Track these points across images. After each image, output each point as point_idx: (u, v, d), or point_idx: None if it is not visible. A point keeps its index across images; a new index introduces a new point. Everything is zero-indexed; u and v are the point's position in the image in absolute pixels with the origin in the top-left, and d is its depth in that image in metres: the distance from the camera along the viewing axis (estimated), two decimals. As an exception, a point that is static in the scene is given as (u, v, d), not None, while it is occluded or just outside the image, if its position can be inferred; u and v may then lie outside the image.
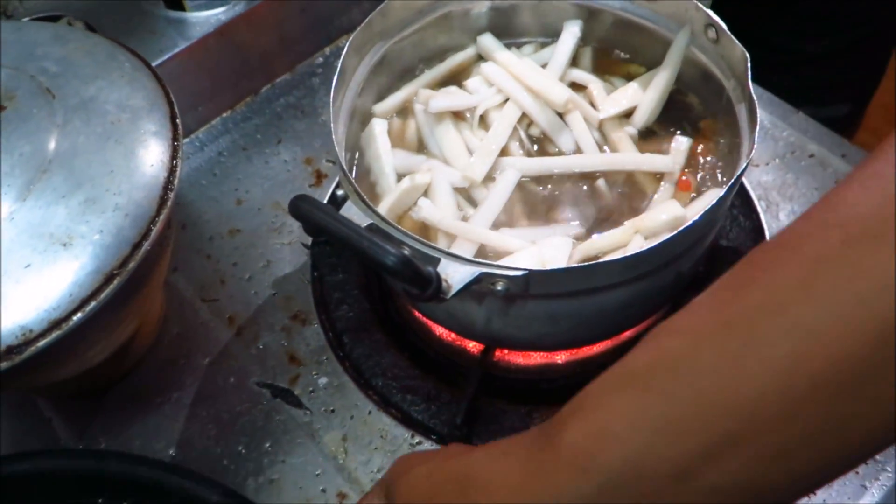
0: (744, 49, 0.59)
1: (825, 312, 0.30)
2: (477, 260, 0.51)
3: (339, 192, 0.56)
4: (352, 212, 0.54)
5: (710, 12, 0.62)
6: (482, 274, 0.50)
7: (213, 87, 0.82)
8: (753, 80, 0.58)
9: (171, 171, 0.56)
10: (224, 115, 0.84)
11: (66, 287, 0.50)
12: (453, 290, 0.50)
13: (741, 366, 0.31)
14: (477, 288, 0.51)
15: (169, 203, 0.55)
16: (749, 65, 0.58)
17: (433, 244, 0.51)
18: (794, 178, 0.76)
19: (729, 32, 0.60)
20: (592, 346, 0.66)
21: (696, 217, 0.51)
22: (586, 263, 0.51)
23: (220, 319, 0.72)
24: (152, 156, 0.55)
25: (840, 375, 0.29)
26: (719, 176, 0.64)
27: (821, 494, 0.59)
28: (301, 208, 0.47)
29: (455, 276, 0.50)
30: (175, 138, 0.57)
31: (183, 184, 0.80)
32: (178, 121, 0.58)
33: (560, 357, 0.67)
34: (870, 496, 0.59)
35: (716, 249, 0.72)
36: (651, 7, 0.66)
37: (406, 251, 0.52)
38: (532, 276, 0.50)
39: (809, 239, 0.32)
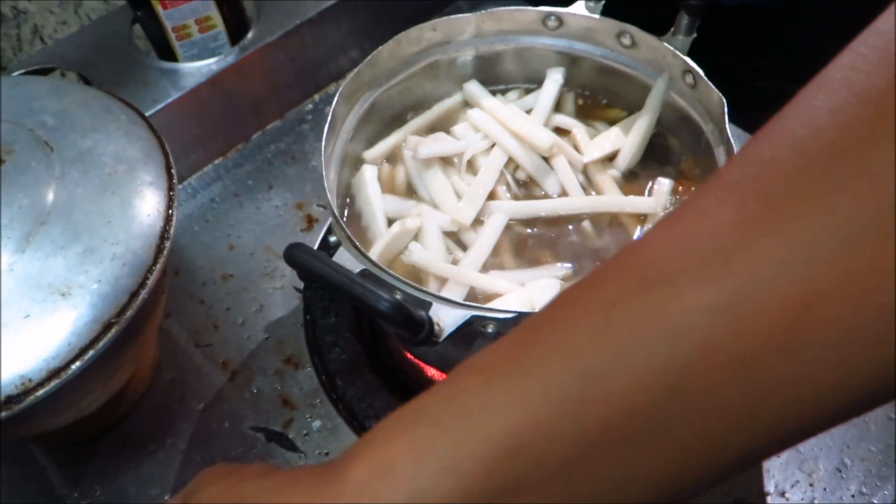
0: (720, 94, 0.61)
1: (616, 359, 0.29)
2: (468, 303, 0.52)
3: (332, 239, 0.58)
4: (344, 258, 0.55)
5: (687, 59, 0.64)
6: (473, 317, 0.52)
7: (205, 135, 0.84)
8: (733, 120, 0.60)
9: (167, 220, 0.57)
10: (216, 161, 0.86)
11: (65, 336, 0.51)
12: (445, 334, 0.51)
13: (532, 408, 0.29)
14: (468, 330, 0.52)
15: (165, 252, 0.56)
16: (726, 109, 0.60)
17: (425, 289, 0.53)
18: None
19: (705, 78, 0.63)
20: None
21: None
22: (574, 305, 0.52)
23: (213, 364, 0.73)
24: (149, 206, 0.56)
25: (628, 425, 0.28)
26: (701, 216, 0.66)
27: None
28: (296, 256, 0.48)
29: (447, 319, 0.51)
30: (171, 188, 0.59)
31: (176, 230, 0.81)
32: (173, 171, 0.60)
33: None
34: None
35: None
36: (630, 54, 0.69)
37: (398, 296, 0.54)
38: (522, 319, 0.52)
39: (610, 281, 0.31)
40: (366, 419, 0.68)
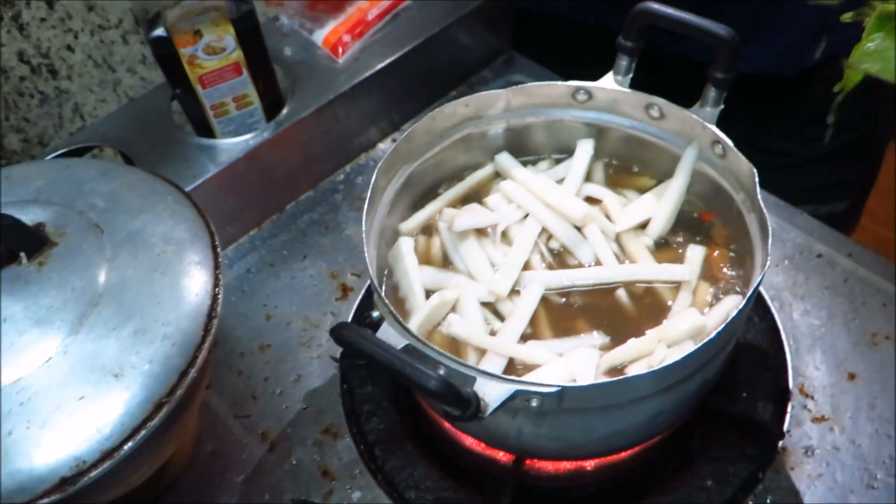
0: (750, 164, 0.62)
1: None
2: (512, 378, 0.53)
3: (375, 314, 0.59)
4: (388, 333, 0.56)
5: (716, 130, 0.65)
6: (517, 392, 0.52)
7: (242, 207, 0.86)
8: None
9: (214, 298, 0.59)
10: (251, 232, 0.88)
11: (118, 417, 0.52)
12: (490, 409, 0.51)
13: None
14: (512, 404, 0.53)
15: (213, 330, 0.58)
16: (756, 179, 0.62)
17: (469, 364, 0.53)
18: (805, 278, 0.79)
19: (735, 149, 0.64)
20: (622, 452, 0.67)
21: (717, 330, 0.54)
22: (617, 379, 0.53)
23: (253, 436, 0.74)
24: (196, 285, 0.58)
25: None
26: (734, 281, 0.67)
27: None
28: (344, 336, 0.50)
29: (491, 394, 0.52)
30: (216, 267, 0.60)
31: (213, 301, 0.83)
32: (218, 249, 0.61)
33: (589, 464, 0.68)
34: None
35: (735, 347, 0.74)
36: (659, 125, 0.70)
37: (442, 371, 0.55)
38: (565, 392, 0.52)
39: None
40: (405, 490, 0.69)
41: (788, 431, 0.69)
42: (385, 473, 0.70)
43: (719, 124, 0.66)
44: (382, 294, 0.60)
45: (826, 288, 0.78)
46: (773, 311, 0.76)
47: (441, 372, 0.54)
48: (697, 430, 0.69)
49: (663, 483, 0.67)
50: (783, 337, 0.74)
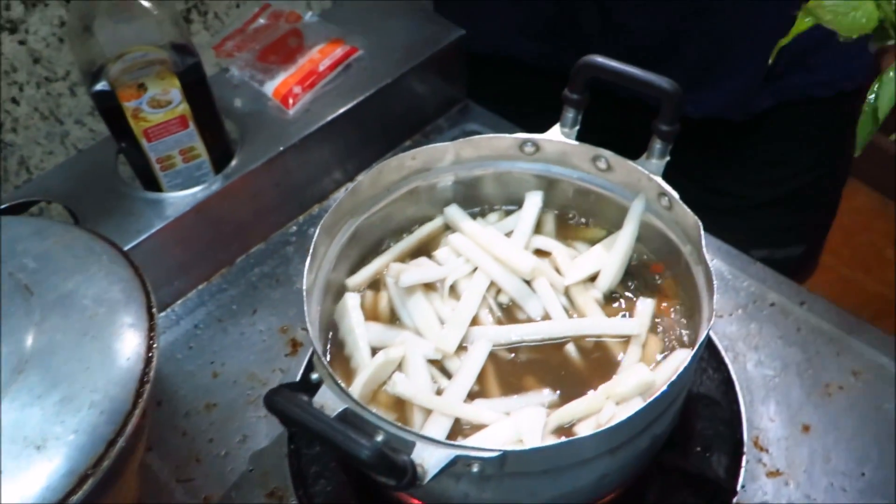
0: (696, 217, 0.62)
1: None
2: (451, 443, 0.51)
3: (314, 376, 0.57)
4: (326, 396, 0.54)
5: (662, 182, 0.65)
6: (457, 457, 0.51)
7: (190, 261, 0.84)
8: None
9: (147, 362, 0.57)
10: (200, 287, 0.86)
11: (38, 491, 0.49)
12: (428, 476, 0.50)
13: None
14: (453, 469, 0.51)
15: (145, 396, 0.55)
16: (702, 232, 0.61)
17: (408, 428, 0.52)
18: (758, 328, 0.78)
19: (680, 201, 0.64)
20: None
21: (662, 390, 0.53)
22: (560, 441, 0.52)
23: (195, 501, 0.71)
24: (128, 349, 0.56)
25: None
26: (683, 334, 0.66)
27: None
28: (276, 403, 0.48)
29: (430, 460, 0.51)
30: (151, 329, 0.58)
31: (158, 359, 0.81)
32: (154, 310, 0.60)
33: (541, 524, 0.66)
34: None
35: (688, 399, 0.73)
36: (606, 177, 0.70)
37: (381, 437, 0.53)
38: (507, 457, 0.51)
39: None
40: (353, 555, 0.66)
41: (743, 487, 0.68)
42: (332, 538, 0.68)
43: (672, 167, 0.66)
44: (322, 354, 0.58)
45: (779, 337, 0.77)
46: (727, 361, 0.75)
47: (379, 438, 0.53)
48: (651, 486, 0.68)
49: (617, 543, 0.66)
50: (737, 388, 0.74)
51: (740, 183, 1.02)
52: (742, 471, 0.69)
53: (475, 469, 0.51)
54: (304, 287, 0.61)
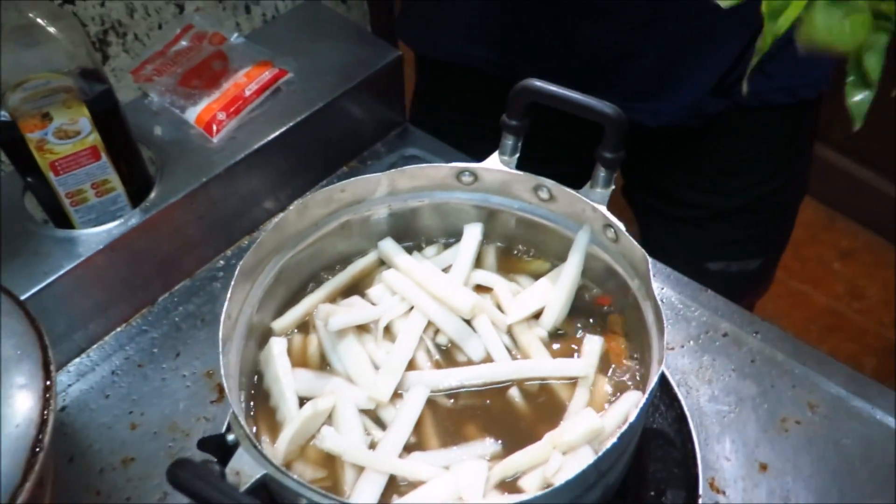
0: (643, 251, 0.58)
1: None
2: (382, 512, 0.46)
3: (230, 437, 0.52)
4: (243, 461, 0.49)
5: (607, 213, 0.61)
6: (388, 527, 0.46)
7: (106, 302, 0.78)
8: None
9: (41, 427, 0.51)
10: (118, 329, 0.80)
11: None
12: (357, 551, 0.45)
13: None
14: (385, 539, 0.47)
15: (38, 465, 0.49)
16: (650, 266, 0.57)
17: (332, 496, 0.47)
18: (711, 360, 0.75)
19: (626, 234, 0.60)
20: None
21: (614, 440, 0.48)
22: (500, 506, 0.47)
23: (109, 569, 0.65)
24: (19, 414, 0.50)
25: None
26: (635, 372, 0.62)
27: None
28: (179, 479, 0.42)
29: (358, 531, 0.46)
30: (47, 389, 0.52)
31: (70, 409, 0.74)
32: (51, 367, 0.54)
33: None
34: None
35: (640, 438, 0.69)
36: (549, 207, 0.66)
37: (304, 505, 0.48)
38: (443, 524, 0.46)
39: None
40: None
41: (700, 533, 0.64)
42: None
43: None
44: (242, 410, 0.53)
45: (733, 370, 0.74)
46: (680, 397, 0.72)
47: (303, 505, 0.48)
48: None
49: None
50: (691, 425, 0.70)
51: (698, 192, 0.99)
52: (698, 516, 0.65)
53: (408, 540, 0.46)
54: (220, 336, 0.55)
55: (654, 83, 0.88)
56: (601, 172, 0.63)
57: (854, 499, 0.65)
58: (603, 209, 0.62)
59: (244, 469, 0.48)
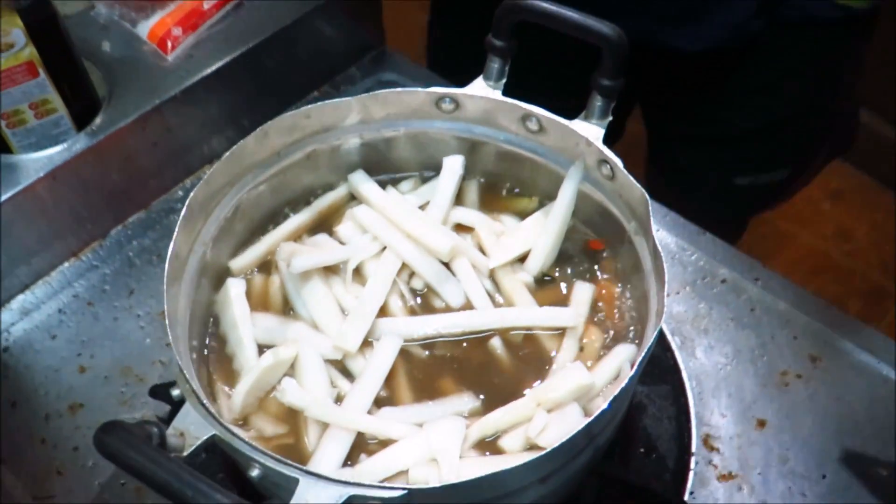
0: (643, 190, 0.52)
1: None
2: (343, 481, 0.41)
3: (175, 392, 0.46)
4: (189, 420, 0.44)
5: (603, 147, 0.55)
6: (351, 497, 0.41)
7: (50, 235, 0.71)
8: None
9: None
10: (65, 265, 0.73)
11: None
12: (315, 525, 0.40)
13: None
14: (349, 508, 0.41)
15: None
16: (650, 207, 0.51)
17: (289, 462, 0.41)
18: (708, 308, 0.70)
19: (624, 170, 0.54)
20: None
21: (602, 409, 0.43)
22: (476, 477, 0.42)
23: (54, 525, 0.60)
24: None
25: None
26: (628, 323, 0.56)
27: None
28: (109, 446, 0.37)
29: (317, 502, 0.40)
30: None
31: (14, 350, 0.69)
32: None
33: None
34: None
35: (631, 398, 0.64)
36: (538, 140, 0.59)
37: (257, 471, 0.43)
38: (414, 495, 0.41)
39: None
40: (241, 587, 0.56)
41: (692, 493, 0.60)
42: (217, 566, 0.57)
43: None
44: (189, 363, 0.48)
45: (731, 319, 0.69)
46: (674, 347, 0.67)
47: (255, 472, 0.43)
48: (589, 496, 0.59)
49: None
50: (685, 379, 0.65)
51: (729, 111, 0.91)
52: (691, 475, 0.61)
53: (374, 512, 0.41)
54: (166, 277, 0.49)
55: (695, 3, 0.79)
56: (597, 102, 0.56)
57: (858, 461, 0.61)
58: (598, 143, 0.55)
59: (189, 430, 0.43)
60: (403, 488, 0.41)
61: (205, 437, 0.43)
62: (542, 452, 0.42)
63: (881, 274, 1.85)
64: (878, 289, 1.85)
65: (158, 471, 0.36)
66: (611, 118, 0.56)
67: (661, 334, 0.67)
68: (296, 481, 0.41)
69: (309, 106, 0.58)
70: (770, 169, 0.96)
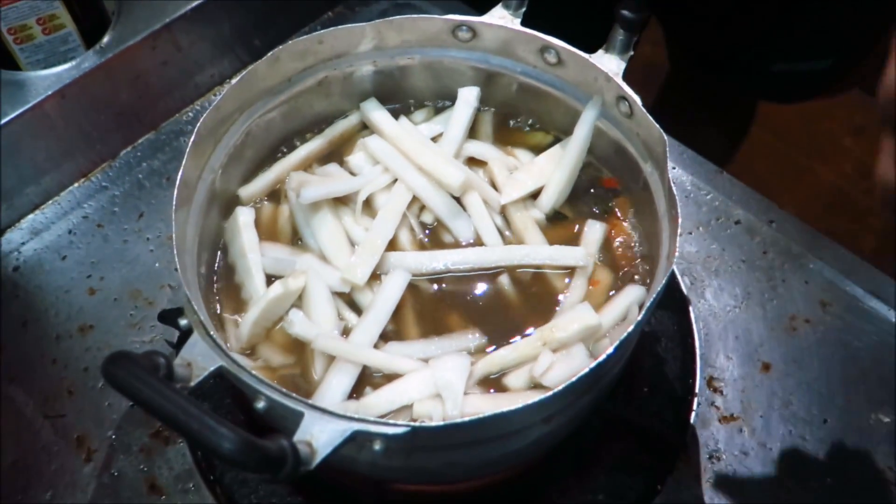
0: (661, 130, 0.50)
1: None
2: (348, 416, 0.41)
3: (183, 322, 0.46)
4: (196, 351, 0.44)
5: (623, 84, 0.53)
6: (356, 432, 0.41)
7: (59, 155, 0.71)
8: (715, 44, 0.48)
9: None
10: (75, 185, 0.73)
11: None
12: (318, 458, 0.40)
13: None
14: (351, 445, 0.42)
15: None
16: (667, 148, 0.50)
17: (294, 396, 0.42)
18: (720, 250, 0.69)
19: (643, 109, 0.52)
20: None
21: (607, 353, 0.43)
22: (480, 417, 0.42)
23: (65, 441, 0.61)
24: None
25: None
26: (638, 265, 0.56)
27: None
28: (116, 378, 0.37)
29: (321, 436, 0.41)
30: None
31: (24, 270, 0.69)
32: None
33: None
34: None
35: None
36: (556, 73, 0.58)
37: (262, 403, 0.43)
38: (417, 433, 0.41)
39: None
40: (247, 508, 0.58)
41: (693, 433, 0.61)
42: (224, 487, 0.59)
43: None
44: (196, 294, 0.48)
45: (743, 261, 0.68)
46: (683, 288, 0.67)
47: (261, 405, 0.43)
48: (591, 434, 0.60)
49: (549, 497, 0.58)
50: (692, 319, 0.65)
51: (792, 55, 0.85)
52: (693, 416, 0.61)
53: (378, 447, 0.41)
54: (174, 204, 0.48)
55: None
56: (619, 35, 0.54)
57: (861, 407, 0.61)
58: (618, 79, 0.54)
59: (196, 360, 0.43)
60: (407, 425, 0.41)
61: (212, 369, 0.43)
62: (546, 394, 0.42)
63: (897, 213, 1.83)
64: (893, 227, 1.83)
65: (165, 403, 0.36)
66: (632, 53, 0.54)
67: (672, 275, 0.67)
68: (300, 415, 0.41)
69: (322, 31, 0.56)
70: (810, 56, 0.87)
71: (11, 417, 0.62)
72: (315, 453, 0.40)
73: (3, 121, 0.64)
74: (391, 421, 0.42)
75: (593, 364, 0.43)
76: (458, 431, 0.42)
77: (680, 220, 0.47)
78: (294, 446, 0.39)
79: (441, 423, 0.42)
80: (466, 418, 0.42)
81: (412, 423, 0.41)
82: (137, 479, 0.60)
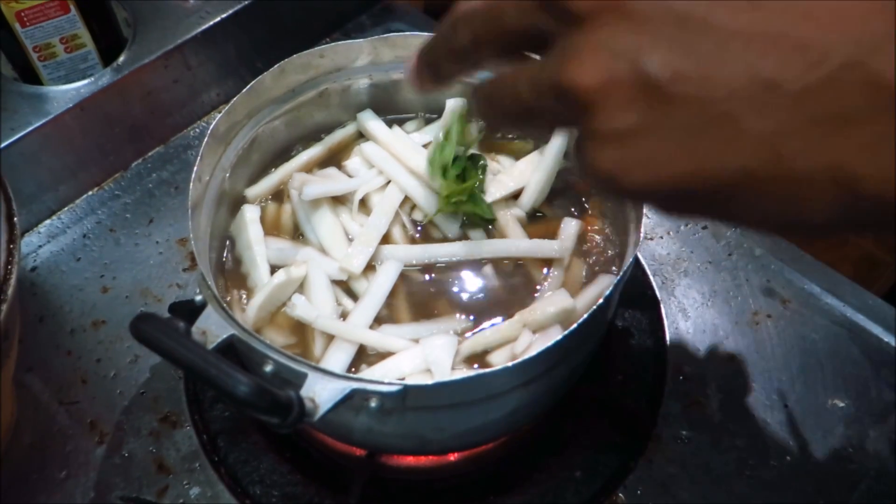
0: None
1: None
2: (347, 375, 0.46)
3: (198, 298, 0.51)
4: (210, 321, 0.49)
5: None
6: (354, 391, 0.46)
7: (76, 164, 0.76)
8: None
9: (5, 278, 0.50)
10: (90, 193, 0.78)
11: None
12: (321, 412, 0.45)
13: None
14: (351, 402, 0.47)
15: (1, 316, 0.49)
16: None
17: (299, 358, 0.47)
18: (689, 252, 0.74)
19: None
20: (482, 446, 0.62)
21: (583, 317, 0.48)
22: (467, 376, 0.47)
23: (79, 425, 0.65)
24: (-20, 264, 0.49)
25: None
26: (610, 258, 0.61)
27: None
28: (143, 331, 0.42)
29: (323, 394, 0.45)
30: (11, 240, 0.51)
31: (41, 270, 0.74)
32: (15, 220, 0.52)
33: (452, 455, 0.63)
34: None
35: (612, 326, 0.70)
36: (535, 85, 0.64)
37: (270, 367, 0.48)
38: (409, 391, 0.46)
39: None
40: (250, 485, 0.62)
41: (663, 417, 0.65)
42: (228, 466, 0.63)
43: None
44: (210, 273, 0.52)
45: (710, 262, 0.74)
46: (655, 287, 0.72)
47: (269, 368, 0.48)
48: (569, 415, 0.65)
49: (530, 474, 0.63)
50: (663, 315, 0.70)
51: None
52: (663, 400, 0.66)
53: (374, 404, 0.46)
54: (190, 198, 0.54)
55: None
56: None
57: (818, 393, 0.66)
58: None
59: (211, 329, 0.48)
60: (400, 384, 0.46)
61: (224, 336, 0.48)
62: (525, 357, 0.47)
63: (873, 242, 1.89)
64: (869, 256, 1.89)
65: (187, 353, 0.41)
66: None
67: (644, 274, 0.72)
68: (304, 375, 0.46)
69: (323, 46, 0.62)
70: None
71: (29, 403, 0.66)
72: (318, 408, 0.45)
73: (26, 131, 0.70)
74: (386, 380, 0.47)
75: (567, 332, 0.48)
76: (445, 390, 0.47)
77: (650, 222, 0.53)
78: (300, 398, 0.44)
79: (431, 381, 0.47)
80: (453, 377, 0.47)
81: (404, 383, 0.46)
82: (147, 460, 0.64)
